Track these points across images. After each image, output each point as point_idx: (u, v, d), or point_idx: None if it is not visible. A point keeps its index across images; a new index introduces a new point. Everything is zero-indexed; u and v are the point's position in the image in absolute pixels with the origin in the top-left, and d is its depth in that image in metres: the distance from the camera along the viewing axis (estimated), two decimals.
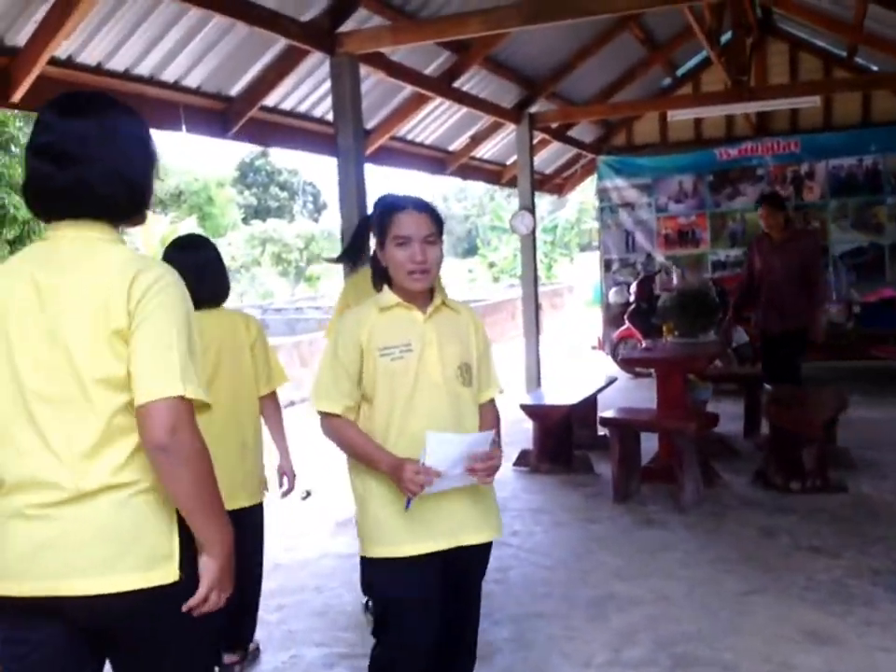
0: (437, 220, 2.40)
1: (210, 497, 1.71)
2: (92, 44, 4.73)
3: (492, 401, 2.57)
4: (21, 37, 4.37)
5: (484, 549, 2.52)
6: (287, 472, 3.39)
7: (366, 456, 2.37)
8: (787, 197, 11.40)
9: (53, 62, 4.56)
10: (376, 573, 2.39)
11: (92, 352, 1.64)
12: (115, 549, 1.66)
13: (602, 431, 6.49)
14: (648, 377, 10.02)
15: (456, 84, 7.71)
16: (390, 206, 2.40)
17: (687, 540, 4.62)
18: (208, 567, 1.73)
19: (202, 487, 1.68)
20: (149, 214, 1.92)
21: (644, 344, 10.15)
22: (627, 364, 7.16)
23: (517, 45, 8.22)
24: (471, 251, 34.79)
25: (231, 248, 30.51)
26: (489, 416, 2.55)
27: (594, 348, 13.23)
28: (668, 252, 12.09)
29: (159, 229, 23.96)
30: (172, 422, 1.61)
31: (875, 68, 11.50)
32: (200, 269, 3.02)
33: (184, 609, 1.70)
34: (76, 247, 1.71)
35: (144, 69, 5.21)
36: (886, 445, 6.39)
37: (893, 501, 5.13)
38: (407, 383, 2.35)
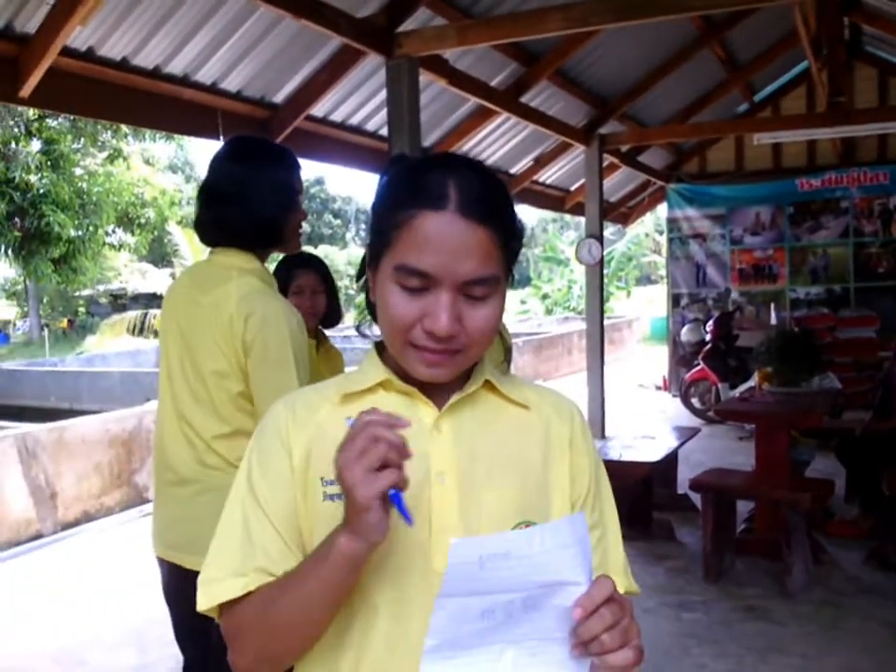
0: (504, 246, 1.05)
1: None
2: (116, 35, 4.14)
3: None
4: (32, 23, 3.78)
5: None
6: None
7: (297, 589, 0.99)
8: (874, 231, 10.56)
9: (70, 53, 3.98)
10: None
11: (214, 361, 1.98)
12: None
13: (682, 490, 5.71)
14: (721, 423, 9.16)
15: (523, 99, 7.04)
16: (408, 190, 1.03)
17: (802, 639, 3.78)
18: None
19: None
20: (298, 244, 2.21)
21: (720, 388, 9.33)
22: (722, 416, 6.31)
23: (590, 60, 7.55)
24: (522, 282, 34.35)
25: None
26: None
27: (658, 388, 12.40)
28: (743, 288, 11.27)
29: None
30: None
31: None
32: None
33: None
34: (216, 273, 2.04)
35: (176, 68, 4.61)
36: None
37: None
38: (384, 564, 1.03)
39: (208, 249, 2.14)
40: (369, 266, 1.11)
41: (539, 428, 1.14)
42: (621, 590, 1.06)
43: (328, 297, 2.97)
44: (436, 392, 1.10)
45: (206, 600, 1.06)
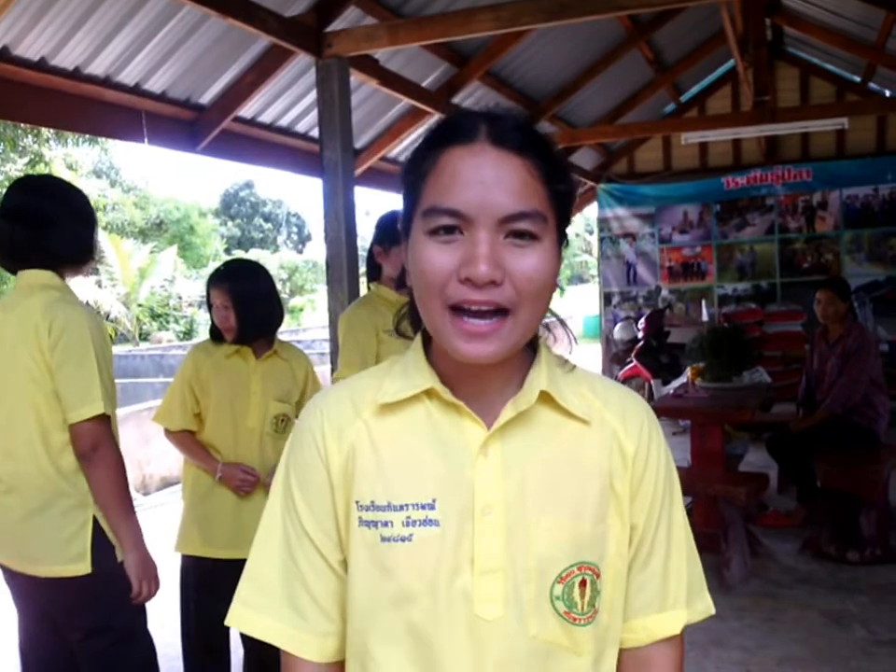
0: (548, 183, 0.91)
1: (123, 497, 2.20)
2: (33, 34, 3.96)
3: (671, 646, 1.03)
4: None
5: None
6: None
7: None
8: (798, 228, 10.83)
9: None
10: None
11: (26, 366, 2.17)
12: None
13: None
14: (656, 418, 9.23)
15: (455, 100, 7.02)
16: (435, 134, 0.94)
17: (742, 632, 3.84)
18: (129, 560, 2.20)
19: (117, 488, 2.19)
20: (90, 264, 2.41)
21: (653, 384, 9.44)
22: (658, 412, 6.29)
23: (520, 61, 7.57)
24: None
25: None
26: None
27: None
28: (672, 285, 11.43)
29: (137, 258, 23.23)
30: (94, 438, 2.14)
31: (888, 93, 10.99)
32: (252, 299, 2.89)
33: (133, 598, 2.22)
34: (20, 293, 2.24)
35: (98, 68, 4.45)
36: None
37: None
38: (419, 606, 0.93)
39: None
40: (403, 241, 0.97)
41: (600, 448, 0.99)
42: (678, 627, 1.01)
43: (236, 312, 2.81)
44: (484, 403, 0.97)
45: (249, 627, 1.00)
